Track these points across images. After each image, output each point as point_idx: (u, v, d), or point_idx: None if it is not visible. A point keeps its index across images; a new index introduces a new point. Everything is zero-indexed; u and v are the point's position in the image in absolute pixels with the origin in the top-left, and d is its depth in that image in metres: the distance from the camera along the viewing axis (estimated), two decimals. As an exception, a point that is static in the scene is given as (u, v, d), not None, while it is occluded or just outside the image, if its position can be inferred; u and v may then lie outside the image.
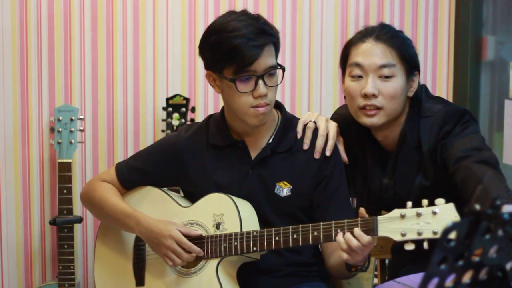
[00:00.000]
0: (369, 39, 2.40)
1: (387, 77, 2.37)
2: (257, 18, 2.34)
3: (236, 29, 2.28)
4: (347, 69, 2.43)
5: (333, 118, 2.59)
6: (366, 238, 2.12)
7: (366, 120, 2.40)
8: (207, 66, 2.39)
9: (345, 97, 2.48)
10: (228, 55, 2.28)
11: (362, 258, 2.17)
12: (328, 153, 2.42)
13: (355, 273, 2.30)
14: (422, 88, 2.48)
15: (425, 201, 2.04)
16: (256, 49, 2.27)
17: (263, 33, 2.29)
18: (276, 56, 2.36)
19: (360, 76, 2.39)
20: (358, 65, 2.39)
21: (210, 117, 2.53)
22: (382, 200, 2.49)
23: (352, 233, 2.13)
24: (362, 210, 2.19)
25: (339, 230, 2.17)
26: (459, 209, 2.02)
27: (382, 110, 2.38)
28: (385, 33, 2.41)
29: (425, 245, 2.03)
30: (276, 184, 2.41)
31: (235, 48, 2.27)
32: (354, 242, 2.13)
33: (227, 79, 2.31)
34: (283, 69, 2.37)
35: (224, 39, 2.28)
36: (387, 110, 2.38)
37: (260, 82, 2.30)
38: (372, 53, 2.38)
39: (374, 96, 2.37)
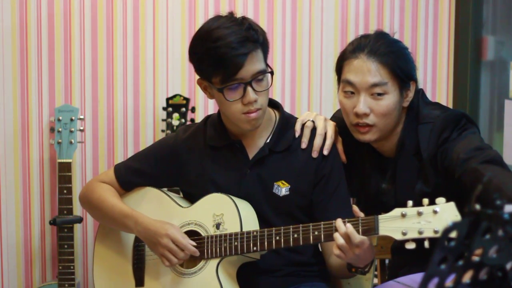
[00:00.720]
0: (361, 54, 2.36)
1: (379, 94, 2.35)
2: (242, 23, 2.31)
3: (219, 38, 2.27)
4: (340, 84, 2.42)
5: (332, 121, 2.59)
6: (358, 237, 2.12)
7: (359, 137, 2.40)
8: (197, 73, 2.40)
9: None
10: (214, 66, 2.28)
11: (353, 256, 2.16)
12: (325, 152, 2.42)
13: (355, 273, 2.30)
14: (419, 94, 2.45)
15: (425, 200, 2.04)
16: (241, 58, 2.26)
17: (247, 41, 2.28)
18: (265, 58, 2.35)
19: (352, 93, 2.38)
20: (350, 82, 2.37)
21: (208, 118, 2.54)
22: (381, 204, 2.48)
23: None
24: (355, 208, 2.19)
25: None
26: (460, 209, 2.02)
27: (374, 127, 2.37)
28: (378, 48, 2.36)
29: (426, 244, 2.03)
30: (275, 183, 2.41)
31: (219, 58, 2.26)
32: (340, 241, 2.13)
33: (216, 89, 2.31)
34: (272, 73, 2.36)
35: (209, 49, 2.28)
36: (380, 127, 2.37)
37: (249, 89, 2.29)
38: (364, 71, 2.35)
39: (365, 115, 2.36)
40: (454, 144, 2.31)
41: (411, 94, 2.42)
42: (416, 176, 2.41)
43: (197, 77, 2.41)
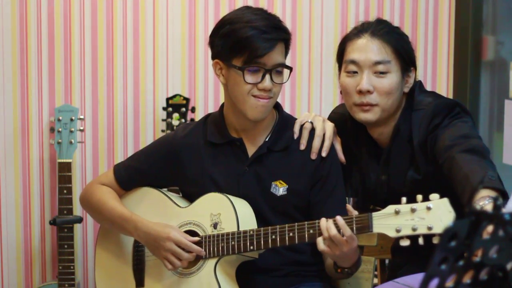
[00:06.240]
0: (365, 34, 2.41)
1: (382, 73, 2.38)
2: (273, 16, 2.37)
3: (251, 20, 2.31)
4: (343, 65, 2.44)
5: (331, 116, 2.60)
6: (348, 231, 2.12)
7: (361, 116, 2.41)
8: (215, 55, 2.40)
9: (341, 92, 2.48)
10: (240, 44, 2.30)
11: (340, 254, 2.16)
12: (324, 154, 2.42)
13: (340, 274, 2.30)
14: (417, 83, 2.49)
15: (419, 197, 2.04)
16: (269, 43, 2.29)
17: (277, 29, 2.32)
18: (285, 57, 2.38)
19: (355, 72, 2.40)
20: (353, 61, 2.40)
21: (208, 116, 2.54)
22: (378, 196, 2.49)
23: (335, 223, 2.14)
24: (349, 206, 2.19)
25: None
26: (454, 204, 2.01)
27: (377, 106, 2.39)
28: (381, 29, 2.41)
29: (420, 240, 2.02)
30: (272, 183, 2.41)
31: (248, 38, 2.29)
32: (333, 231, 2.12)
33: (236, 68, 2.32)
34: (291, 70, 2.38)
35: (238, 28, 2.30)
36: (382, 106, 2.39)
37: (267, 76, 2.31)
38: (367, 49, 2.39)
39: (369, 92, 2.38)
40: (444, 131, 2.32)
41: (411, 80, 2.45)
42: (409, 163, 2.42)
43: (212, 61, 2.41)
